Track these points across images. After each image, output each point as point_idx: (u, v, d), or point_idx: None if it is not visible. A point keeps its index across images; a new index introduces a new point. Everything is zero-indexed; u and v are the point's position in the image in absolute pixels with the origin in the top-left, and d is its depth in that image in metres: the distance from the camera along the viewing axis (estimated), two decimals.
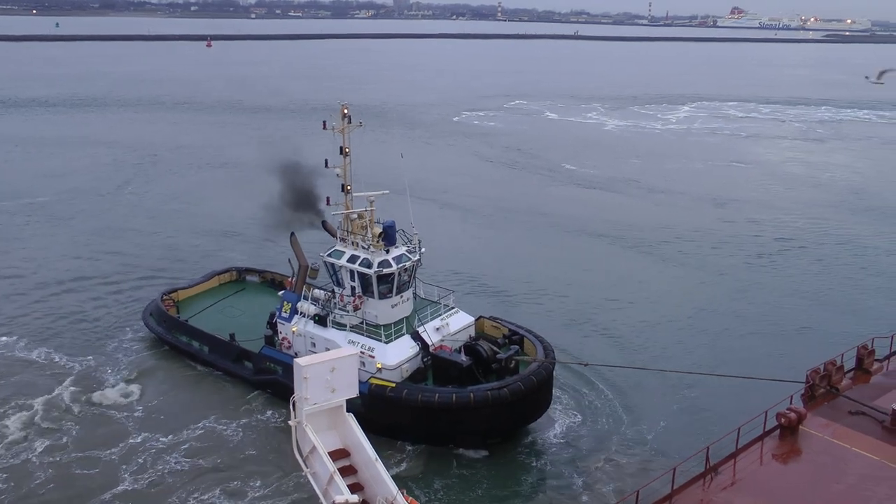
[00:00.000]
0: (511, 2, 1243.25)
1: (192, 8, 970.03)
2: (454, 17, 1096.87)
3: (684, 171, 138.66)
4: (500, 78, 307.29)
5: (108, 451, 49.09)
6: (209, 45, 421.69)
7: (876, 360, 46.75)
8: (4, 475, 46.79)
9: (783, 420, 39.15)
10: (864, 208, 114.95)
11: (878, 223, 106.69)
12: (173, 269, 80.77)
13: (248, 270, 71.39)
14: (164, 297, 65.35)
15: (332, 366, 31.17)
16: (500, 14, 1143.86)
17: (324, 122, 54.62)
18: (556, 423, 53.07)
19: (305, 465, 31.28)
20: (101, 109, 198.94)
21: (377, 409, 47.31)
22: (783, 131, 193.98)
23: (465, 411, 47.44)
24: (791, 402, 40.81)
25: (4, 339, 64.64)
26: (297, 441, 31.33)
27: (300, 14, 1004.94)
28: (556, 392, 54.34)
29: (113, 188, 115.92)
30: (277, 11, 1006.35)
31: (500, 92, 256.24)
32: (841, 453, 37.76)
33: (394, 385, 48.74)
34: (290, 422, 31.32)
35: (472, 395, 47.38)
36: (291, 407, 31.05)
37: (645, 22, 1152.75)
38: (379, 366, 50.05)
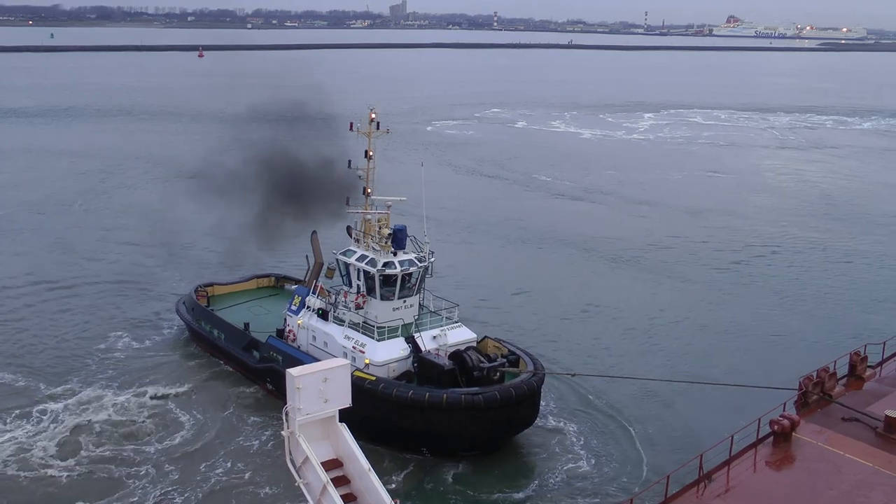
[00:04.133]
0: (508, 11, 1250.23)
1: (189, 18, 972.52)
2: (450, 26, 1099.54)
3: (663, 181, 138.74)
4: (488, 86, 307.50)
5: (96, 459, 49.23)
6: (201, 56, 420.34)
7: (868, 366, 46.97)
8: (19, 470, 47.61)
9: (776, 427, 39.21)
10: (846, 216, 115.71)
11: (861, 232, 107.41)
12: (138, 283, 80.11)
13: (287, 279, 72.79)
14: (199, 289, 68.47)
15: (324, 376, 31.13)
16: (496, 24, 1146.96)
17: (350, 124, 56.26)
18: (547, 434, 52.96)
19: (298, 475, 31.23)
20: (78, 119, 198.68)
21: (354, 401, 47.37)
22: (761, 140, 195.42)
23: (437, 412, 47.79)
24: (784, 409, 40.90)
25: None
26: (289, 451, 31.28)
27: (297, 24, 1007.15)
28: (545, 402, 54.20)
29: (70, 200, 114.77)
30: (274, 22, 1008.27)
31: (484, 101, 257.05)
32: (834, 460, 37.85)
33: (373, 378, 49.68)
34: (282, 432, 31.30)
35: (444, 395, 47.81)
36: (284, 417, 31.04)
37: (641, 31, 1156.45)
38: (367, 361, 51.19)
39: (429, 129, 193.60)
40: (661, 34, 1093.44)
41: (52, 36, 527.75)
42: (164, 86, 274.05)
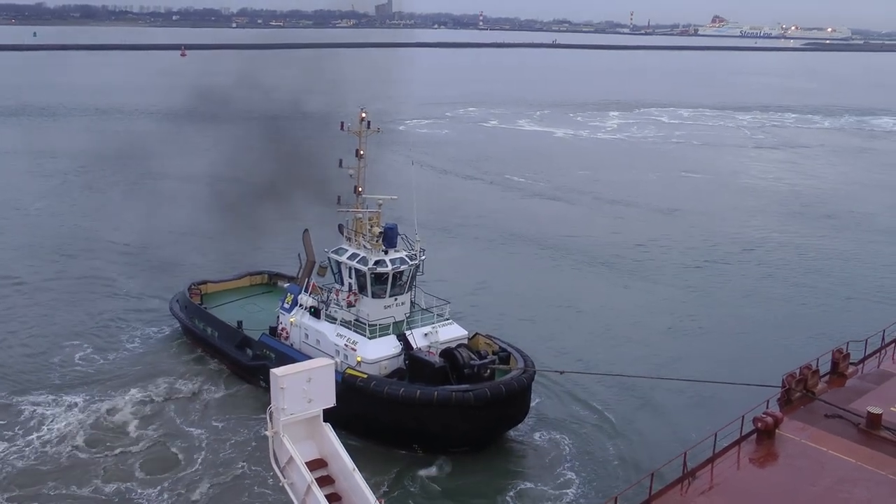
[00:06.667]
0: (493, 11, 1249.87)
1: (174, 17, 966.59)
2: (436, 25, 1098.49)
3: (639, 181, 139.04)
4: (468, 86, 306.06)
5: (81, 454, 49.56)
6: (183, 55, 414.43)
7: (851, 363, 47.40)
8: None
9: (760, 424, 39.51)
10: (823, 215, 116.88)
11: (837, 230, 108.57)
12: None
13: (280, 276, 72.80)
14: (192, 287, 68.71)
15: (308, 376, 30.99)
16: (481, 23, 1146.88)
17: (342, 123, 56.53)
18: (533, 432, 53.34)
19: (283, 475, 31.12)
20: (51, 119, 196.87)
21: (345, 398, 47.60)
22: (735, 139, 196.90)
23: (427, 409, 48.23)
24: (767, 407, 41.22)
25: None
26: (274, 451, 31.19)
27: (282, 24, 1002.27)
28: (533, 400, 54.19)
29: (30, 202, 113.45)
30: (259, 21, 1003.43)
31: (459, 100, 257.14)
32: (817, 456, 38.18)
33: (365, 376, 50.04)
34: (266, 432, 31.21)
35: (435, 393, 48.24)
36: (268, 418, 30.94)
37: (626, 31, 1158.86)
38: (359, 359, 51.61)
39: (401, 128, 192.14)
40: (647, 34, 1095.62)
41: (34, 34, 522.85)
42: (149, 85, 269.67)
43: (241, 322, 61.91)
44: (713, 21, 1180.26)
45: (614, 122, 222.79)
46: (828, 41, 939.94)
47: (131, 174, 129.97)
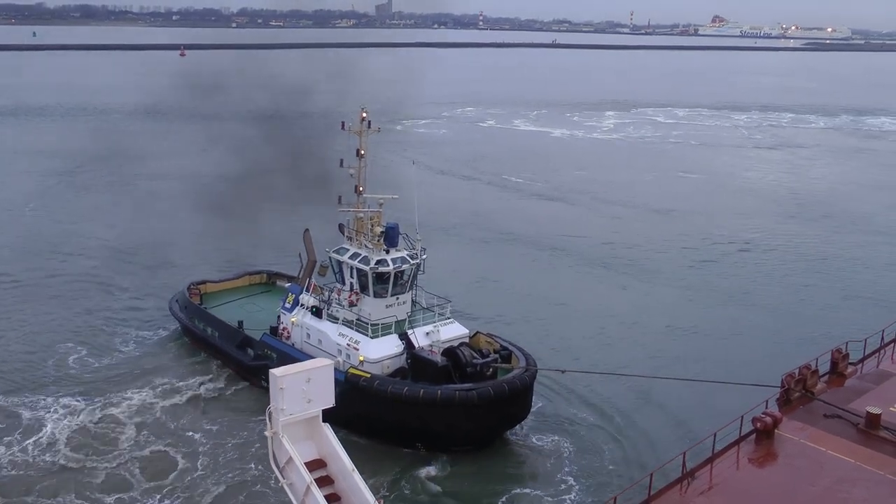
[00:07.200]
0: (494, 11, 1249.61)
1: (174, 17, 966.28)
2: (436, 25, 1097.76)
3: (636, 181, 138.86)
4: (467, 86, 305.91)
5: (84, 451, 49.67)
6: (183, 55, 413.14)
7: (850, 363, 47.33)
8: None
9: (759, 424, 39.46)
10: (821, 216, 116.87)
11: (836, 231, 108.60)
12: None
13: (279, 275, 72.78)
14: (191, 287, 68.64)
15: (307, 376, 31.05)
16: (481, 23, 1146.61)
17: (342, 123, 56.48)
18: (534, 431, 53.38)
19: (282, 475, 31.19)
20: (48, 119, 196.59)
21: (349, 397, 48.05)
22: (732, 139, 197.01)
23: (431, 408, 48.44)
24: (766, 407, 41.17)
25: None
26: (273, 452, 31.26)
27: (282, 24, 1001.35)
28: (533, 399, 54.24)
29: (24, 202, 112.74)
30: (259, 21, 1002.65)
31: (457, 100, 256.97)
32: (817, 456, 38.14)
33: (368, 376, 50.28)
34: (266, 433, 31.26)
35: (439, 392, 48.46)
36: (268, 418, 30.99)
37: (626, 31, 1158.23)
38: (361, 359, 51.84)
39: (398, 128, 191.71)
40: (647, 34, 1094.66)
41: (34, 34, 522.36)
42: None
43: (241, 322, 61.99)
44: (713, 21, 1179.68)
45: (610, 122, 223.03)
46: (828, 41, 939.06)
47: (128, 174, 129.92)
